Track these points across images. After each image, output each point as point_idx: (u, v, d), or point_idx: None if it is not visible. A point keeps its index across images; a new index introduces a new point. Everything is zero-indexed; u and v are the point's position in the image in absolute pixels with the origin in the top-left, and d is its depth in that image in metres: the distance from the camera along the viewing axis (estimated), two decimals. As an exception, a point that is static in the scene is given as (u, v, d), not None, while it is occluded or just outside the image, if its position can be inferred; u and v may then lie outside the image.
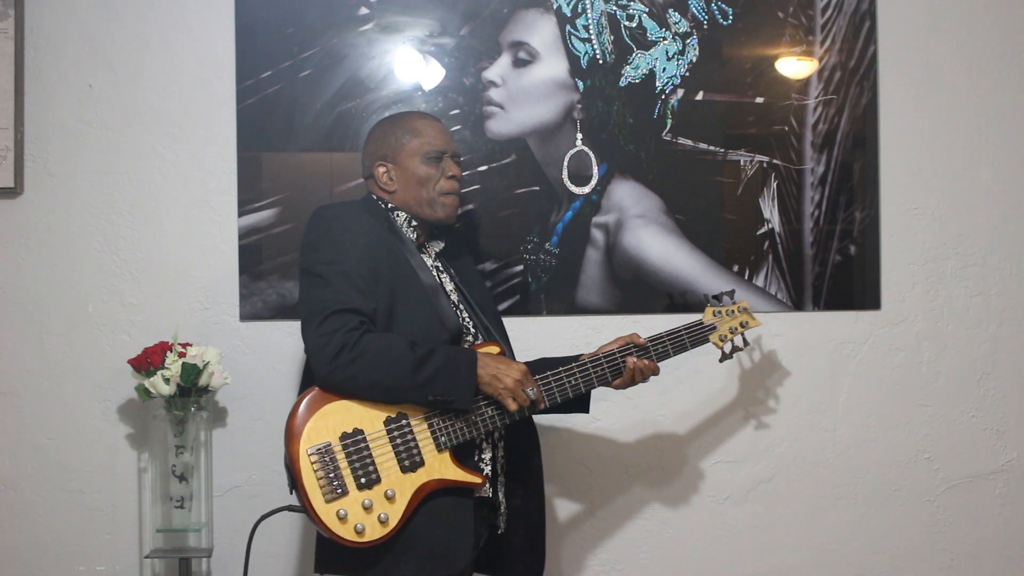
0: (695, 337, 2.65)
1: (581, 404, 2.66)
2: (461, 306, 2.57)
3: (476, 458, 2.47)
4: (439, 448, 2.38)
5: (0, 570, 2.88)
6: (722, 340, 2.69)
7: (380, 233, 2.48)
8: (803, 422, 3.08)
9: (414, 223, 2.56)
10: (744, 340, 2.75)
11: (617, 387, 2.58)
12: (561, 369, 2.52)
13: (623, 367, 2.56)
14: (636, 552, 3.04)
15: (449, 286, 2.58)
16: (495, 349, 2.50)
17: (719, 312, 2.69)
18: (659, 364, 2.60)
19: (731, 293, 2.74)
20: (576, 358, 2.60)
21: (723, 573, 3.06)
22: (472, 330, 2.56)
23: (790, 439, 3.08)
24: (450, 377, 2.36)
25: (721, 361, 2.73)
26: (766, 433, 3.07)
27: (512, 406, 2.40)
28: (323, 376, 2.33)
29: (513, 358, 2.62)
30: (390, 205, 2.56)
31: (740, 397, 3.07)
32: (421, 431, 2.38)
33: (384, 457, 2.35)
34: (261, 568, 2.89)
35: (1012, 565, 3.13)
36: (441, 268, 2.61)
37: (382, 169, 2.56)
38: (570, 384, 2.51)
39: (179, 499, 2.76)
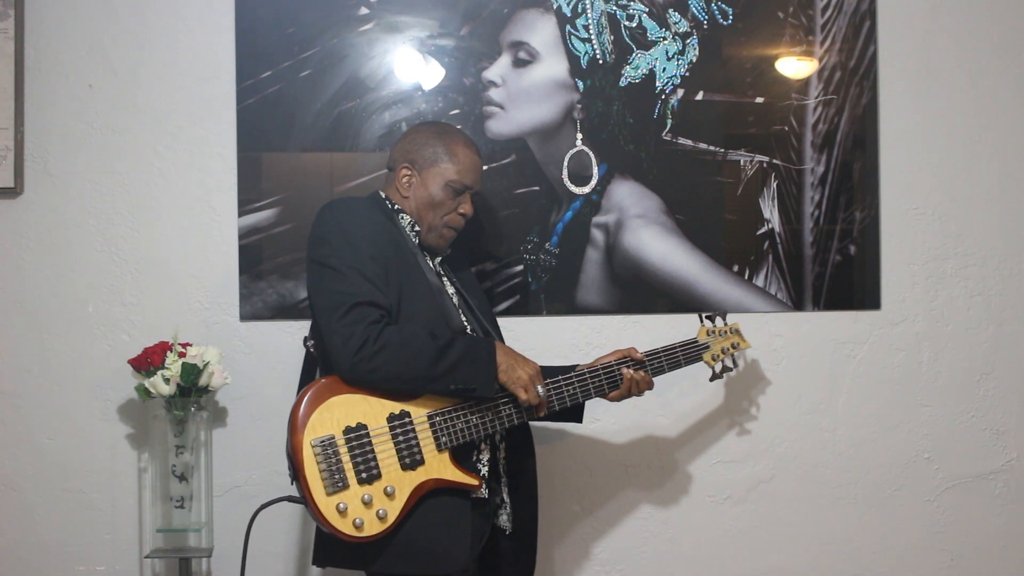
0: (689, 355, 2.70)
1: (575, 414, 2.67)
2: (462, 309, 2.59)
3: (474, 459, 2.48)
4: (439, 448, 2.39)
5: (0, 570, 2.88)
6: (714, 360, 2.74)
7: (389, 229, 2.49)
8: (803, 422, 3.08)
9: (416, 228, 2.57)
10: (734, 361, 2.81)
11: (612, 399, 2.60)
12: (560, 378, 2.53)
13: (620, 379, 2.58)
14: (636, 552, 3.04)
15: (450, 289, 2.60)
16: None
17: (712, 332, 2.75)
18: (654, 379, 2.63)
19: (723, 314, 2.79)
20: (572, 368, 2.61)
21: (723, 573, 3.06)
22: (475, 332, 2.58)
23: (790, 439, 3.08)
24: (471, 365, 2.38)
25: (711, 380, 2.77)
26: (766, 433, 3.07)
27: (523, 396, 2.42)
28: (347, 368, 2.34)
29: None
30: (396, 207, 2.57)
31: (740, 397, 3.07)
32: (423, 430, 2.39)
33: (385, 453, 2.36)
34: (260, 565, 2.89)
35: (1012, 565, 3.13)
36: (442, 273, 2.62)
37: (406, 172, 2.57)
38: (568, 393, 2.54)
39: (179, 499, 2.76)
